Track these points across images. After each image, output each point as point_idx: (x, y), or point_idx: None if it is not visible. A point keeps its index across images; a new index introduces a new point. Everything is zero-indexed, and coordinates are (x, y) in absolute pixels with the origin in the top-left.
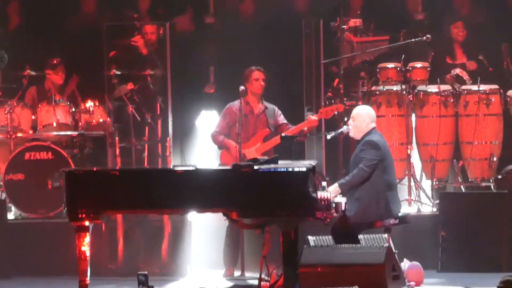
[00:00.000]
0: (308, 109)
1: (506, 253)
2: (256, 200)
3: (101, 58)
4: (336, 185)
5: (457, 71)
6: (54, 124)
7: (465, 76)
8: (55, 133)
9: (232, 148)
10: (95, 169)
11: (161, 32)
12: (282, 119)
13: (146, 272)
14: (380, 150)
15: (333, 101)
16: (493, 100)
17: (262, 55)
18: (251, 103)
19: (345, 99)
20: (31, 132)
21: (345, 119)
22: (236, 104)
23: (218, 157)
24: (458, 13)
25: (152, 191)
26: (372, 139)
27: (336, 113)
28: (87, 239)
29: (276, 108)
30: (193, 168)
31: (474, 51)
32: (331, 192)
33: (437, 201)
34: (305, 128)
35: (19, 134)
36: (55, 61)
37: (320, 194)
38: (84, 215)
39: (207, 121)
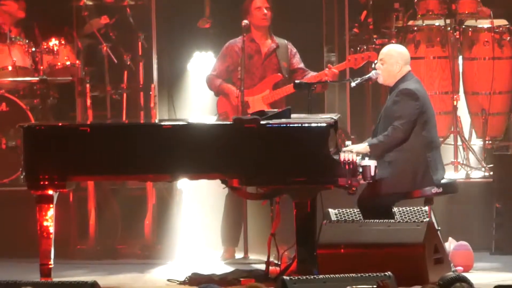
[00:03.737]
0: (328, 49)
1: None
2: (263, 163)
3: None
4: (365, 144)
5: None
6: (10, 68)
7: None
8: (10, 79)
9: (232, 94)
10: (60, 124)
11: None
12: (297, 61)
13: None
14: (418, 100)
15: (365, 47)
16: None
17: None
18: (256, 40)
19: (374, 36)
20: None
21: (375, 61)
22: (238, 42)
23: (215, 108)
24: None
25: (132, 152)
26: (409, 87)
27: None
28: (51, 212)
29: (290, 45)
30: (184, 123)
31: None
32: (358, 153)
33: (491, 165)
34: (326, 77)
35: None
36: None
37: (344, 155)
38: (46, 182)
39: (202, 64)
